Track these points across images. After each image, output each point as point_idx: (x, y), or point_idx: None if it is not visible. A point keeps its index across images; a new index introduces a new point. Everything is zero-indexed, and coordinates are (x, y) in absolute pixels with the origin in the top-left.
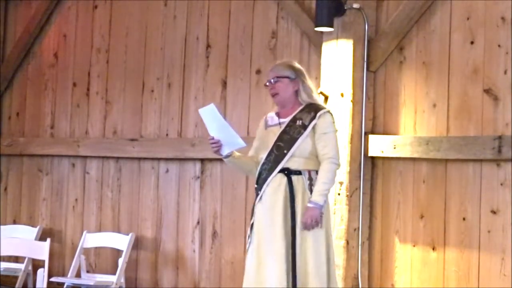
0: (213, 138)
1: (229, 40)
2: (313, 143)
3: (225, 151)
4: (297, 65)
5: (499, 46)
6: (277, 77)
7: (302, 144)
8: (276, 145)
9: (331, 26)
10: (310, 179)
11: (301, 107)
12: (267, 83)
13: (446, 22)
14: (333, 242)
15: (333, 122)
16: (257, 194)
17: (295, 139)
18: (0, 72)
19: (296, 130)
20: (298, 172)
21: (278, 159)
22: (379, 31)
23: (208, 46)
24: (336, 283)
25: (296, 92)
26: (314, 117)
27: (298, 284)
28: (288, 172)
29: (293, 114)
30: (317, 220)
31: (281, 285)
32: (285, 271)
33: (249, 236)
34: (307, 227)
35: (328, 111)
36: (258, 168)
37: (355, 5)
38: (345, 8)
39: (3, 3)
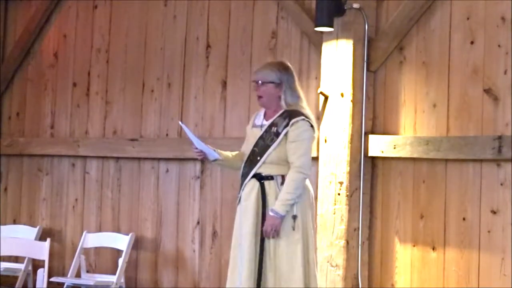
0: (196, 148)
1: (229, 40)
2: (285, 150)
3: (211, 158)
4: (284, 67)
5: (499, 46)
6: (262, 82)
7: (273, 151)
8: (252, 150)
9: (331, 26)
10: (284, 183)
11: (280, 112)
12: (253, 83)
13: (446, 22)
14: (315, 244)
15: (308, 130)
16: (237, 197)
17: (268, 147)
18: (0, 72)
19: (270, 137)
20: (270, 177)
21: (252, 165)
22: (379, 31)
23: (208, 46)
24: (316, 284)
25: (279, 97)
26: (287, 125)
27: (267, 285)
28: (260, 178)
29: (273, 119)
30: (276, 229)
31: (248, 286)
32: (252, 274)
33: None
34: (267, 235)
35: (304, 119)
36: (240, 171)
37: (355, 5)
38: (345, 8)
39: (3, 3)
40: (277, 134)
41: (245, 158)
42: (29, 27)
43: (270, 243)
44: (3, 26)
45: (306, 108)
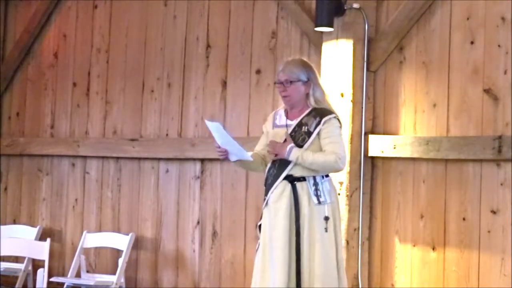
0: (219, 147)
1: (229, 40)
2: (317, 149)
3: (233, 159)
4: (308, 64)
5: (499, 46)
6: (290, 81)
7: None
8: None
9: (331, 26)
10: (316, 184)
11: (308, 110)
12: (278, 84)
13: (446, 22)
14: (342, 246)
15: (339, 128)
16: (264, 199)
17: (300, 147)
18: (0, 72)
19: (301, 137)
20: (303, 178)
21: (282, 167)
22: (379, 31)
23: (208, 46)
24: (346, 284)
25: (307, 95)
26: (319, 123)
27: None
28: (292, 179)
29: (300, 118)
30: (278, 154)
31: (282, 285)
32: (286, 275)
33: (258, 238)
34: (269, 150)
35: (335, 117)
36: (265, 173)
37: (355, 5)
38: (345, 8)
39: (3, 3)
40: (309, 134)
41: (270, 160)
42: (29, 27)
43: (304, 245)
44: (3, 26)
45: (331, 104)
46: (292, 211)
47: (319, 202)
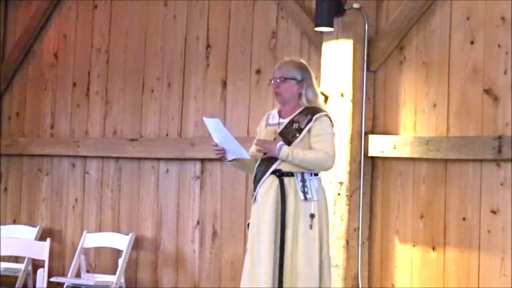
0: (216, 145)
1: (229, 40)
2: (307, 147)
3: (229, 157)
4: (304, 66)
5: (499, 46)
6: (284, 78)
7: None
8: None
9: (331, 26)
10: (303, 180)
11: (300, 109)
12: (273, 81)
13: (446, 22)
14: (328, 243)
15: (330, 125)
16: (253, 195)
17: (289, 143)
18: (0, 72)
19: (291, 134)
20: (290, 174)
21: (271, 161)
22: (379, 31)
23: (208, 46)
24: (330, 283)
25: (300, 95)
26: (310, 120)
27: (286, 284)
28: (279, 174)
29: (292, 116)
30: (267, 151)
31: (267, 285)
32: (272, 272)
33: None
34: (257, 143)
35: (326, 115)
36: (255, 169)
37: (355, 5)
38: (345, 8)
39: (3, 3)
40: (300, 130)
41: (260, 156)
42: (29, 27)
43: (288, 242)
44: (3, 26)
45: (324, 105)
46: (279, 206)
47: (306, 199)
